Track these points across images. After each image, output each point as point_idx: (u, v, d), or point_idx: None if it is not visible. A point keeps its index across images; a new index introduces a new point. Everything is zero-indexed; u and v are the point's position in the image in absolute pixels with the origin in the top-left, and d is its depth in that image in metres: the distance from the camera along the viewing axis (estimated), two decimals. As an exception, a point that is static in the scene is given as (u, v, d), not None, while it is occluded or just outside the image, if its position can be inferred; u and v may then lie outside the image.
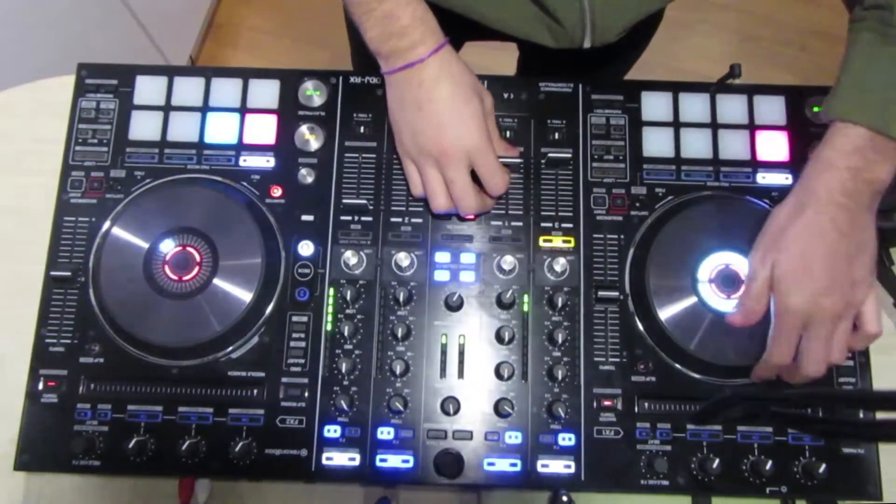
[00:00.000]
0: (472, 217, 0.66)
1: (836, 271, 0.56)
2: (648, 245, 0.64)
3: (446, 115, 0.60)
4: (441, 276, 0.66)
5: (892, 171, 0.56)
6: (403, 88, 0.61)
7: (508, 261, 0.65)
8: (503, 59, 1.05)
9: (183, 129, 0.70)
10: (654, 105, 0.71)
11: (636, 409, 0.63)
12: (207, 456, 0.62)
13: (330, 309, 0.65)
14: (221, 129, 0.70)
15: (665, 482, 0.61)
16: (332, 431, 0.62)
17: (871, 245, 0.58)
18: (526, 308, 0.65)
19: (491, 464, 0.62)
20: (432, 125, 0.61)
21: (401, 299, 0.64)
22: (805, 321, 0.56)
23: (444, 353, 0.64)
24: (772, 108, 0.71)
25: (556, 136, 0.69)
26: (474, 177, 0.62)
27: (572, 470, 0.62)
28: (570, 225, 0.67)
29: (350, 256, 0.65)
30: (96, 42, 1.44)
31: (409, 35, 0.59)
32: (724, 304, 0.63)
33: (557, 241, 0.67)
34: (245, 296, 0.63)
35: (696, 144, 0.70)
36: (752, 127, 0.70)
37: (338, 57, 0.99)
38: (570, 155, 0.68)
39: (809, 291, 0.56)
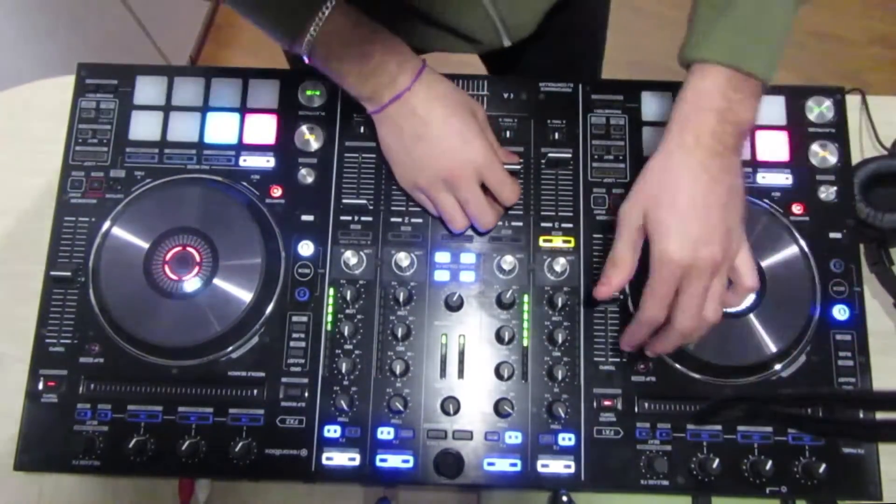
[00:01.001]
0: (489, 230, 0.66)
1: (713, 217, 0.54)
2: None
3: (447, 137, 0.60)
4: (441, 276, 0.66)
5: (755, 109, 0.55)
6: (397, 121, 0.61)
7: (508, 261, 0.65)
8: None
9: (183, 129, 0.69)
10: (654, 105, 0.71)
11: (636, 409, 0.63)
12: (207, 456, 0.62)
13: (330, 309, 0.65)
14: (221, 129, 0.70)
15: (665, 482, 0.61)
16: (332, 431, 0.62)
17: (741, 190, 0.57)
18: (526, 308, 0.65)
19: (491, 464, 0.62)
20: (436, 150, 0.60)
21: (401, 299, 0.64)
22: (683, 272, 0.54)
23: (444, 353, 0.64)
24: (772, 108, 0.71)
25: (556, 136, 0.69)
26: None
27: (572, 470, 0.62)
28: (570, 225, 0.67)
29: (350, 256, 0.65)
30: (96, 42, 1.44)
31: (387, 68, 0.58)
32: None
33: (557, 241, 0.67)
34: (245, 296, 0.63)
35: (696, 144, 0.69)
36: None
37: (338, 57, 0.99)
38: (570, 155, 0.68)
39: (688, 239, 0.53)
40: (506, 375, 0.63)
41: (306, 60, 0.60)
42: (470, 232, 0.66)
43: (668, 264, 0.54)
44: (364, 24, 0.59)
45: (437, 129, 0.60)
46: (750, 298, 0.62)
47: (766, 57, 0.55)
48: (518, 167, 0.67)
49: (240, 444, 0.61)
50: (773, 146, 0.69)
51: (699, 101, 0.55)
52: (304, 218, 0.67)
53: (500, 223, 0.67)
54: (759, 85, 0.55)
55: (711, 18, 0.55)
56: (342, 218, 0.67)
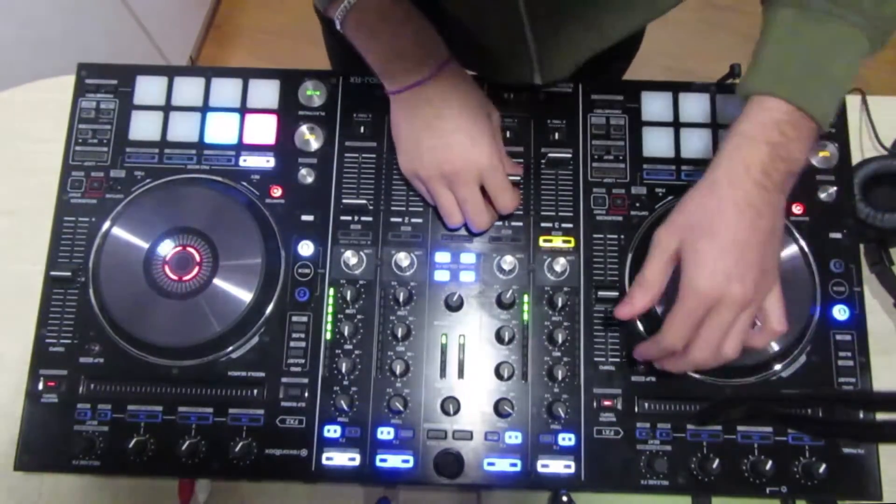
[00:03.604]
0: (482, 232, 0.66)
1: (751, 255, 0.53)
2: (648, 245, 0.64)
3: (457, 134, 0.60)
4: (441, 276, 0.66)
5: (807, 151, 0.54)
6: (411, 107, 0.60)
7: (508, 261, 0.65)
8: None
9: (183, 129, 0.70)
10: (654, 105, 0.71)
11: (636, 409, 0.63)
12: (207, 456, 0.62)
13: (330, 309, 0.65)
14: (221, 129, 0.70)
15: (665, 482, 0.61)
16: (332, 431, 0.62)
17: (782, 231, 0.56)
18: (526, 308, 0.65)
19: (491, 464, 0.62)
20: (443, 145, 0.60)
21: (401, 299, 0.64)
22: (710, 305, 0.53)
23: (444, 353, 0.64)
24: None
25: (556, 136, 0.69)
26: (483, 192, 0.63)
27: (572, 470, 0.62)
28: (570, 225, 0.67)
29: (350, 256, 0.65)
30: (96, 42, 1.44)
31: (415, 53, 0.58)
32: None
33: (557, 241, 0.67)
34: (245, 296, 0.63)
35: (696, 144, 0.69)
36: (752, 127, 0.70)
37: (338, 57, 0.99)
38: (570, 155, 0.68)
39: (721, 273, 0.52)
40: (506, 375, 0.63)
41: (338, 26, 0.59)
42: (467, 232, 0.66)
43: (697, 295, 0.53)
44: (402, 4, 0.58)
45: (448, 124, 0.59)
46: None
47: (827, 101, 0.54)
48: (519, 178, 0.67)
49: (240, 444, 0.61)
50: (773, 146, 0.69)
51: (754, 133, 0.54)
52: (304, 218, 0.67)
53: (500, 223, 0.67)
54: (815, 128, 0.54)
55: (778, 54, 0.55)
56: (342, 218, 0.67)
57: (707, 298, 0.53)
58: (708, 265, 0.53)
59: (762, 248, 0.53)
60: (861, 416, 0.63)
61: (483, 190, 0.63)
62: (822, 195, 0.68)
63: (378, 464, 0.62)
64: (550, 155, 0.67)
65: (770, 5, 0.57)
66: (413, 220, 0.67)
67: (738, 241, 0.53)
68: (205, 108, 0.70)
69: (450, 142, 0.60)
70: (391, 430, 0.62)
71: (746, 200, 0.53)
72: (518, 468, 0.62)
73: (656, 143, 0.69)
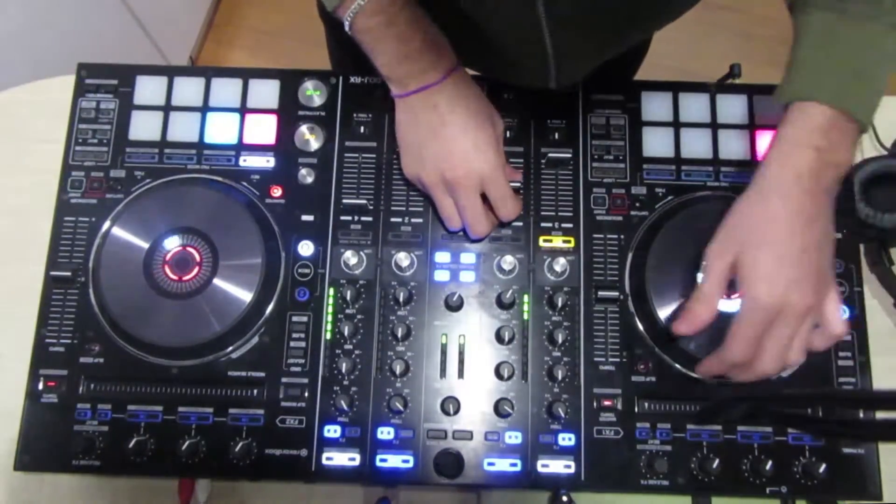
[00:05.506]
0: (481, 239, 0.66)
1: (806, 261, 0.53)
2: (648, 245, 0.64)
3: (461, 142, 0.60)
4: (441, 276, 0.66)
5: (853, 152, 0.54)
6: (417, 112, 0.60)
7: (508, 261, 0.65)
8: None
9: (183, 129, 0.70)
10: (654, 105, 0.71)
11: (636, 409, 0.63)
12: (207, 456, 0.62)
13: (330, 309, 0.65)
14: (221, 129, 0.70)
15: (665, 482, 0.61)
16: (332, 431, 0.62)
17: (833, 233, 0.56)
18: (526, 308, 0.65)
19: (491, 464, 0.62)
20: (446, 151, 0.60)
21: (401, 299, 0.64)
22: (772, 317, 0.53)
23: (444, 353, 0.64)
24: (771, 108, 0.71)
25: (556, 136, 0.69)
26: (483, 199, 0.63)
27: (572, 470, 0.62)
28: (570, 225, 0.67)
29: (350, 256, 0.65)
30: (96, 42, 1.44)
31: (423, 58, 0.58)
32: (723, 303, 0.63)
33: (557, 241, 0.67)
34: (245, 296, 0.63)
35: (696, 144, 0.69)
36: (752, 127, 0.70)
37: (338, 57, 0.99)
38: (570, 155, 0.68)
39: (780, 283, 0.52)
40: (506, 375, 0.63)
41: (346, 28, 0.59)
42: (465, 236, 0.66)
43: (759, 309, 0.53)
44: (413, 8, 0.58)
45: (452, 131, 0.59)
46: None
47: (868, 102, 0.54)
48: (519, 185, 0.67)
49: (240, 444, 0.61)
50: (773, 146, 0.69)
51: (801, 139, 0.53)
52: (304, 218, 0.67)
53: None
54: (857, 129, 0.54)
55: (817, 58, 0.55)
56: (342, 218, 0.67)
57: (769, 310, 0.52)
58: (767, 276, 0.53)
59: (817, 253, 0.53)
60: (861, 416, 0.63)
61: (484, 197, 0.63)
62: (822, 195, 0.67)
63: (378, 464, 0.62)
64: (550, 155, 0.67)
65: (803, 9, 0.57)
66: (413, 220, 0.67)
67: (794, 250, 0.53)
68: (205, 108, 0.70)
69: (453, 149, 0.60)
70: (391, 430, 0.62)
71: (799, 208, 0.53)
72: (518, 468, 0.62)
73: (656, 143, 0.69)
